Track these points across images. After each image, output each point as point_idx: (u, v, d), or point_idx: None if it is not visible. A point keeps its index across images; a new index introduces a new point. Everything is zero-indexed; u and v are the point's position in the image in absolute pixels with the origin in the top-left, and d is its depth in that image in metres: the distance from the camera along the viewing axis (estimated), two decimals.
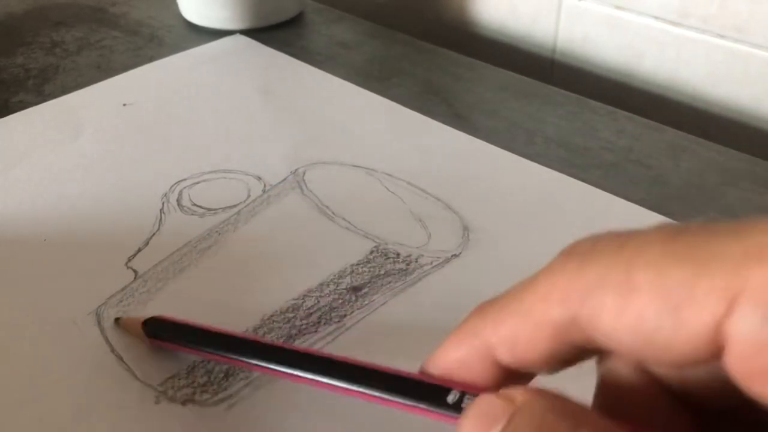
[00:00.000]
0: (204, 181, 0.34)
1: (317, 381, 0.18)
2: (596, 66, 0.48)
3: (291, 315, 0.27)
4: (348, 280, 0.28)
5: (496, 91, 0.43)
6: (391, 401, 0.17)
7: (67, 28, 0.52)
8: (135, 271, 0.29)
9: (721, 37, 0.42)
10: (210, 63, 0.46)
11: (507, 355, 0.15)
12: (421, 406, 0.16)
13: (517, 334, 0.15)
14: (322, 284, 0.28)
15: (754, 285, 0.11)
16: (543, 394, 0.14)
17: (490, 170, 0.35)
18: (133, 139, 0.38)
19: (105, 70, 0.45)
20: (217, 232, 0.31)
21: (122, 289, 0.28)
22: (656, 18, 0.44)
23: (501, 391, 0.14)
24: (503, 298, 0.15)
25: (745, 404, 0.13)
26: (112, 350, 0.25)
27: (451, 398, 0.15)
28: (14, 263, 0.29)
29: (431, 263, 0.29)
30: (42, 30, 0.51)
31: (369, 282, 0.28)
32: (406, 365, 0.25)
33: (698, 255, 0.12)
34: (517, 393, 0.14)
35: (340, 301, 0.27)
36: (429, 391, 0.16)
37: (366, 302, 0.27)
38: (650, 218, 0.31)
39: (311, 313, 0.27)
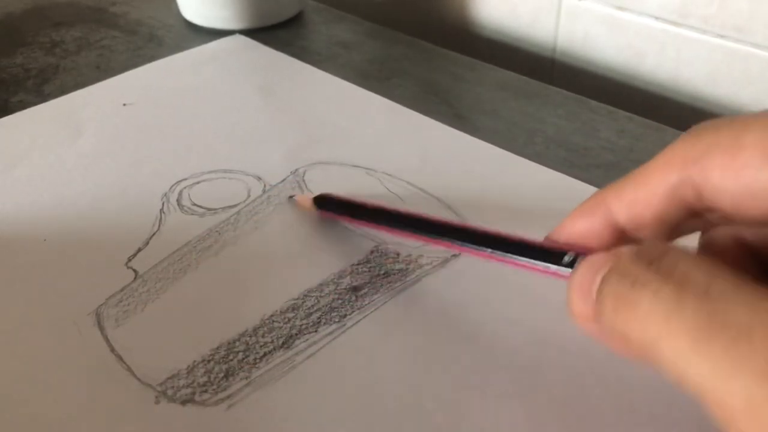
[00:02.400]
0: (204, 180, 0.34)
1: (461, 248, 0.23)
2: (596, 66, 0.48)
3: (291, 315, 0.27)
4: (348, 280, 0.28)
5: (496, 91, 0.43)
6: (518, 263, 0.20)
7: (66, 28, 0.52)
8: (135, 271, 0.29)
9: (721, 37, 0.42)
10: (210, 63, 0.46)
11: (625, 217, 0.18)
12: (542, 266, 0.19)
13: (637, 196, 0.17)
14: (322, 284, 0.28)
15: None
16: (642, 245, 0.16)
17: (490, 170, 0.35)
18: (133, 139, 0.38)
19: (105, 70, 0.45)
20: (217, 231, 0.31)
21: (122, 289, 0.28)
22: (656, 18, 0.44)
23: (608, 250, 0.17)
24: (628, 174, 0.18)
25: None
26: (112, 350, 0.25)
27: (567, 259, 0.18)
28: (14, 263, 0.29)
29: (431, 263, 0.29)
30: (42, 30, 0.51)
31: (369, 282, 0.28)
32: (407, 365, 0.25)
33: None
34: (623, 248, 0.16)
35: (340, 301, 0.27)
36: (550, 254, 0.19)
37: (366, 302, 0.27)
38: None
39: (311, 313, 0.27)
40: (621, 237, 0.18)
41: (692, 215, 0.17)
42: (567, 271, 0.18)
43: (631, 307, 0.15)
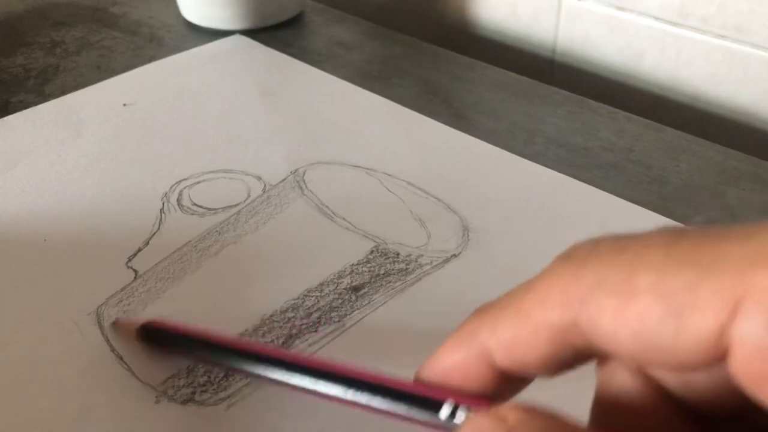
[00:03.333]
0: (204, 181, 0.34)
1: (308, 391, 0.18)
2: (596, 66, 0.48)
3: (291, 315, 0.27)
4: (348, 280, 0.28)
5: (496, 91, 0.43)
6: (383, 412, 0.16)
7: (67, 28, 0.52)
8: (135, 271, 0.29)
9: (721, 37, 0.42)
10: (210, 63, 0.46)
11: (505, 359, 0.15)
12: (413, 418, 0.16)
13: (515, 337, 0.14)
14: (322, 284, 0.28)
15: (759, 288, 0.11)
16: (534, 414, 0.13)
17: (490, 170, 0.35)
18: (133, 139, 0.38)
19: (105, 70, 0.45)
20: (217, 232, 0.31)
21: (122, 289, 0.28)
22: (656, 18, 0.44)
23: (492, 410, 0.14)
24: (502, 301, 0.15)
25: (750, 410, 0.12)
26: (112, 350, 0.25)
27: (444, 412, 0.15)
28: (14, 263, 0.29)
29: (431, 263, 0.29)
30: (42, 30, 0.51)
31: (369, 282, 0.28)
32: (407, 366, 0.25)
33: (701, 258, 0.12)
34: (509, 413, 0.13)
35: (340, 301, 0.27)
36: (421, 403, 0.16)
37: (366, 302, 0.27)
38: (650, 218, 0.31)
39: (311, 313, 0.27)
40: (503, 374, 0.15)
41: (584, 355, 0.14)
42: (446, 428, 0.15)
43: None
